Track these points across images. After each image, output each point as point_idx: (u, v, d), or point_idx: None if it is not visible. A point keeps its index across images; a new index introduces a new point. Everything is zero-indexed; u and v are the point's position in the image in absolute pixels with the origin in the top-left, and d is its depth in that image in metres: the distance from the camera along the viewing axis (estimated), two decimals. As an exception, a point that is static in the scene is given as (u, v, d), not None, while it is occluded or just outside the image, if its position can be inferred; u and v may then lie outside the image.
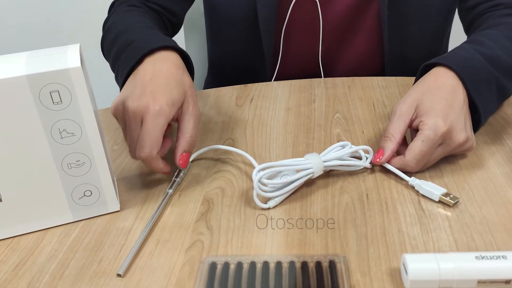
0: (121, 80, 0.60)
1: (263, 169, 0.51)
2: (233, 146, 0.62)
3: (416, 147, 0.52)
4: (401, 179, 0.54)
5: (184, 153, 0.54)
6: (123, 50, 0.63)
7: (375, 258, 0.44)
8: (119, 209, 0.53)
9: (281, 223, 0.49)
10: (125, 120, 0.54)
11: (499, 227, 0.46)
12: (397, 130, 0.55)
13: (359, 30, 0.83)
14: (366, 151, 0.57)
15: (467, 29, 0.83)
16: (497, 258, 0.39)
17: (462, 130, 0.52)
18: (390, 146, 0.54)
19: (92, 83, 0.54)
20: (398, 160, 0.54)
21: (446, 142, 0.53)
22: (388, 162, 0.55)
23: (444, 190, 0.50)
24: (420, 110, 0.54)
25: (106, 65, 0.71)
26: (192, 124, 0.55)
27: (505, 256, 0.39)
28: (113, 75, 0.67)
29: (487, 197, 0.50)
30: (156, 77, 0.55)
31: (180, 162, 0.54)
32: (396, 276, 0.42)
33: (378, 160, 0.55)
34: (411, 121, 0.55)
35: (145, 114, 0.52)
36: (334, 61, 0.87)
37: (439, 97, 0.54)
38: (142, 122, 0.52)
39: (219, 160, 0.61)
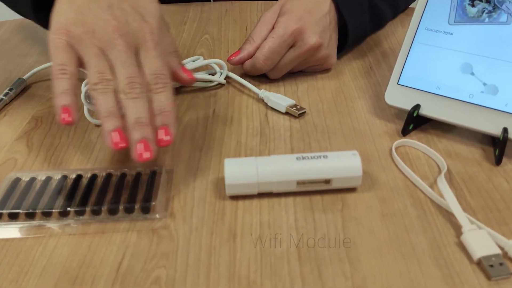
0: None
1: (94, 81, 0.46)
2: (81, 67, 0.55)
3: (266, 43, 0.50)
4: (254, 93, 0.51)
5: (182, 67, 0.44)
6: None
7: (204, 169, 0.41)
8: None
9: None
10: (92, 56, 0.38)
11: (339, 134, 0.44)
12: (258, 34, 0.52)
13: None
14: (220, 66, 0.53)
15: None
16: (318, 158, 0.37)
17: (315, 34, 0.50)
18: (248, 48, 0.51)
19: None
20: (249, 60, 0.52)
21: (298, 44, 0.50)
22: (243, 65, 0.53)
23: (292, 102, 0.48)
24: (280, 13, 0.52)
25: None
26: (170, 38, 0.44)
27: (326, 156, 0.37)
28: None
29: (335, 108, 0.48)
30: None
31: (187, 75, 0.43)
32: (221, 185, 0.39)
33: (232, 58, 0.52)
34: (274, 27, 0.52)
35: (143, 43, 0.39)
36: None
37: (300, 3, 0.52)
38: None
39: (62, 79, 0.55)
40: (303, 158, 0.37)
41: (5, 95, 0.50)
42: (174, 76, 0.43)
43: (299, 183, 0.36)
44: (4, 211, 0.35)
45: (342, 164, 0.37)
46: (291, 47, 0.50)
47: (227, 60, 0.53)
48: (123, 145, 0.36)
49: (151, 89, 0.38)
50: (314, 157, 0.37)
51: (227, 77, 0.53)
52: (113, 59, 0.38)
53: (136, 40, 0.39)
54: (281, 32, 0.49)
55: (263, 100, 0.49)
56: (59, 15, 0.40)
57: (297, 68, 0.53)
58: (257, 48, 0.52)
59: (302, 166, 0.36)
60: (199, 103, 0.50)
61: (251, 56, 0.52)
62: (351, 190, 0.38)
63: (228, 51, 0.61)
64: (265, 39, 0.51)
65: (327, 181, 0.37)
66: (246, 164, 0.37)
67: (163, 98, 0.38)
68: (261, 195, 0.37)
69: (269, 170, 0.36)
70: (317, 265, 0.32)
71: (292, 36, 0.49)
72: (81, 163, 0.41)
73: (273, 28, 0.51)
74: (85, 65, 0.38)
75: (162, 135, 0.37)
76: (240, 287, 0.30)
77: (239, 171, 0.36)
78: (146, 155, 0.35)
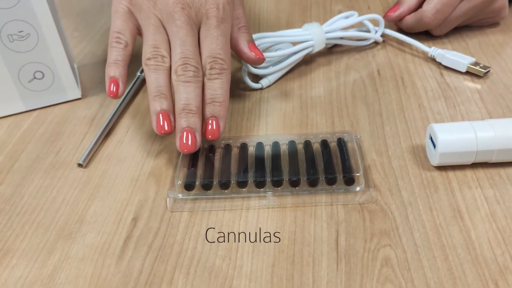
0: None
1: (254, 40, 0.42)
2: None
3: None
4: (419, 51, 0.45)
5: (250, 44, 0.39)
6: None
7: (392, 136, 0.36)
8: (80, 96, 0.44)
9: (276, 103, 0.41)
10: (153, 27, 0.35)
11: (541, 95, 0.38)
12: None
13: None
14: (376, 22, 0.47)
15: None
16: (549, 122, 0.31)
17: None
18: (408, 1, 0.45)
19: None
20: (413, 15, 0.46)
21: None
22: (402, 21, 0.47)
23: (473, 59, 0.42)
24: None
25: None
26: (242, 10, 0.40)
27: (560, 119, 0.31)
28: None
29: (523, 66, 0.42)
30: None
31: (254, 54, 0.38)
32: (420, 153, 0.34)
33: (391, 14, 0.47)
34: None
35: (206, 20, 0.35)
36: None
37: None
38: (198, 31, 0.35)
39: (200, 42, 0.51)
40: (531, 122, 0.31)
41: (150, 59, 0.47)
42: (241, 55, 0.39)
43: (527, 151, 0.31)
44: (196, 182, 0.32)
45: None
46: None
47: (384, 17, 0.47)
48: (167, 130, 0.33)
49: (206, 74, 0.34)
50: (544, 121, 0.31)
51: (382, 35, 0.48)
52: (171, 34, 0.34)
53: (199, 15, 0.35)
54: None
55: (433, 59, 0.44)
56: None
57: (465, 22, 0.47)
58: (418, 1, 0.46)
59: (532, 132, 0.31)
60: (358, 64, 0.45)
61: (412, 10, 0.46)
62: None
63: (369, 7, 0.55)
64: None
65: (562, 150, 0.31)
66: (462, 130, 0.32)
67: (217, 86, 0.34)
68: (473, 165, 0.32)
69: (491, 136, 0.31)
70: None
71: None
72: (250, 130, 0.38)
73: None
74: (143, 36, 0.35)
75: (209, 127, 0.34)
76: (491, 274, 0.26)
77: (455, 138, 0.31)
78: (189, 146, 0.32)
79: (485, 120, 0.32)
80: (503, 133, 0.31)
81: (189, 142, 0.32)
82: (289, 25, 0.53)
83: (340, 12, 0.55)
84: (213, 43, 0.35)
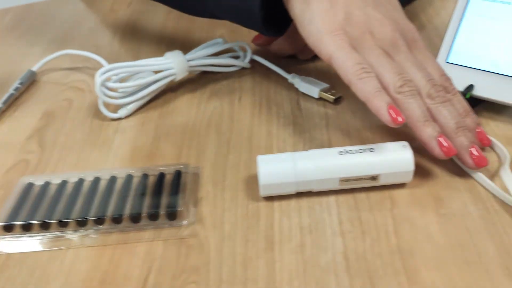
0: None
1: (109, 70, 0.42)
2: (95, 54, 0.51)
3: None
4: (282, 77, 0.46)
5: None
6: None
7: (233, 166, 0.37)
8: None
9: (131, 134, 0.41)
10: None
11: (380, 122, 0.40)
12: None
13: None
14: (244, 49, 0.48)
15: None
16: (363, 152, 0.32)
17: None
18: None
19: None
20: (277, 41, 0.47)
21: None
22: (270, 46, 0.48)
23: (326, 86, 0.43)
24: None
25: None
26: None
27: (372, 149, 0.32)
28: None
29: (374, 91, 0.44)
30: None
31: None
32: (253, 183, 0.35)
33: (259, 40, 0.48)
34: None
35: (413, 43, 0.36)
36: None
37: None
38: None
39: (74, 69, 0.51)
40: (347, 152, 0.32)
41: (15, 89, 0.46)
42: None
43: (343, 180, 0.32)
44: (16, 223, 0.32)
45: (391, 157, 0.32)
46: None
47: (252, 41, 0.48)
48: (455, 152, 0.33)
49: (449, 91, 0.35)
50: (359, 150, 0.32)
51: (251, 61, 0.49)
52: (399, 61, 0.35)
53: (406, 40, 0.36)
54: None
55: (294, 85, 0.45)
56: (323, 14, 0.35)
57: (329, 46, 0.48)
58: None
59: (346, 162, 0.32)
60: (222, 90, 0.46)
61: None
62: (400, 185, 0.33)
63: (249, 31, 0.56)
64: None
65: (374, 178, 0.32)
66: (282, 161, 0.32)
67: (461, 99, 0.35)
68: (299, 194, 0.33)
69: (309, 167, 0.32)
70: (369, 278, 0.28)
71: None
72: (99, 163, 0.38)
73: None
74: (372, 66, 0.34)
75: (482, 137, 0.35)
76: (284, 306, 0.27)
77: (275, 169, 0.32)
78: (483, 162, 0.33)
79: (307, 151, 0.33)
80: (321, 163, 0.32)
81: (483, 159, 0.33)
82: (170, 49, 0.53)
83: (222, 36, 0.55)
84: (435, 63, 0.36)
